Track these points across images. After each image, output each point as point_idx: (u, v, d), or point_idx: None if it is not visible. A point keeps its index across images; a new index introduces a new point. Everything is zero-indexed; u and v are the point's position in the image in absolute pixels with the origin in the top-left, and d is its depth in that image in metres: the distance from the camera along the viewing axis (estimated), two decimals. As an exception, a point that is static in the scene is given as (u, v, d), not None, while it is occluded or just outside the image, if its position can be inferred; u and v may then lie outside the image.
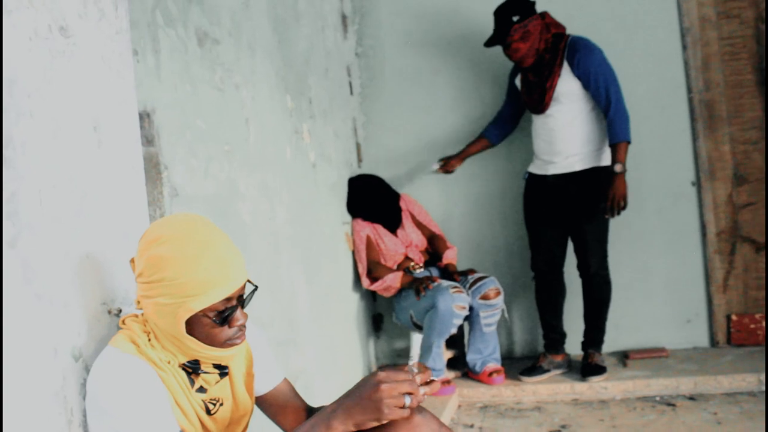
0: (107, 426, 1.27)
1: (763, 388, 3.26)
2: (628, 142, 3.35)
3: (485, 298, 3.55)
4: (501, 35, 3.40)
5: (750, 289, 3.74)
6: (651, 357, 3.65)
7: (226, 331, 1.33)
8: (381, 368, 1.29)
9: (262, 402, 1.59)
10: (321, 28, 3.62)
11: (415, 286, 3.53)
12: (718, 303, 3.77)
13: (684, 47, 3.77)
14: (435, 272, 3.77)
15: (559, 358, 3.64)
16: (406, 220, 3.87)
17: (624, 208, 3.34)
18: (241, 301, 1.36)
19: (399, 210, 3.86)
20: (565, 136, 3.46)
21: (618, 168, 3.32)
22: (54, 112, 1.35)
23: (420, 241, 3.86)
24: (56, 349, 1.32)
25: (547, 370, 3.60)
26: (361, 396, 1.21)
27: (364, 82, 4.16)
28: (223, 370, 1.41)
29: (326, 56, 3.66)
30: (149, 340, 1.35)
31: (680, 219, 3.80)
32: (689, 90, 3.76)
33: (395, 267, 3.72)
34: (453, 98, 4.06)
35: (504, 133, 3.82)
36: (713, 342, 3.79)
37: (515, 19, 3.36)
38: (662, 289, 3.84)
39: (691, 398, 3.27)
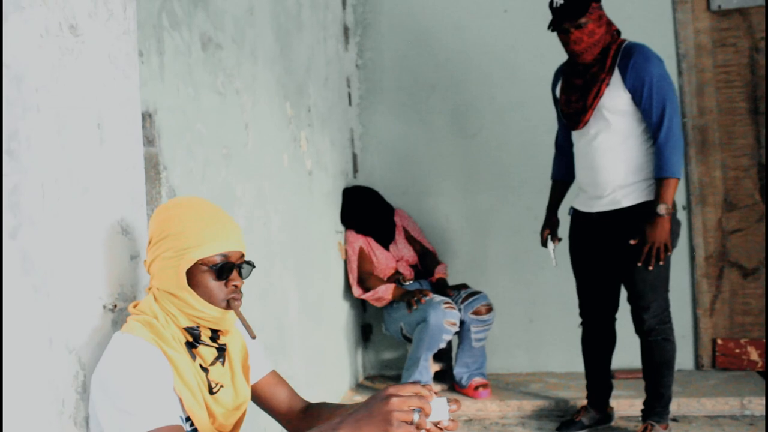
0: (115, 407, 1.30)
1: (746, 412, 3.29)
2: (678, 179, 2.82)
3: (477, 313, 3.57)
4: (576, 11, 2.77)
5: (736, 314, 3.78)
6: (636, 378, 3.67)
7: (224, 289, 1.44)
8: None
9: (253, 392, 1.62)
10: (323, 39, 3.66)
11: (407, 299, 3.55)
12: (704, 327, 3.80)
13: (679, 73, 3.82)
14: (426, 286, 3.80)
15: (599, 413, 3.24)
16: (399, 236, 3.89)
17: (666, 253, 2.86)
18: (238, 267, 1.46)
19: (393, 225, 3.89)
20: (609, 162, 2.91)
21: (662, 210, 2.79)
22: (60, 107, 1.38)
23: (411, 256, 3.88)
24: (51, 341, 1.34)
25: (587, 426, 3.20)
26: (371, 409, 1.21)
27: (363, 93, 4.20)
28: (220, 346, 1.48)
29: (327, 66, 3.70)
30: (161, 310, 1.43)
31: (670, 242, 3.84)
32: (683, 115, 3.81)
33: (385, 280, 3.74)
34: (450, 113, 4.10)
35: (571, 161, 3.20)
36: (698, 365, 3.82)
37: None
38: (650, 311, 3.86)
39: (674, 419, 3.29)
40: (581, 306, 3.22)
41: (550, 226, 3.28)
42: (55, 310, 1.35)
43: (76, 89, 1.43)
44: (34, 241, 1.30)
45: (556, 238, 3.27)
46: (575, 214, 3.15)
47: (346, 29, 4.12)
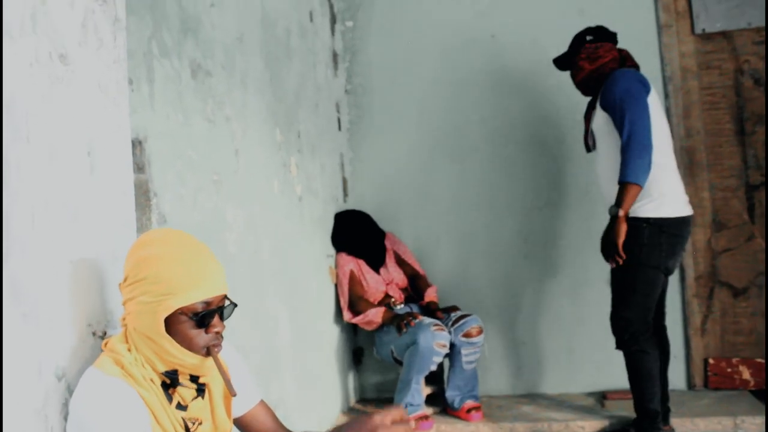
0: None
1: (739, 431, 3.29)
2: (637, 185, 2.87)
3: (467, 336, 3.57)
4: (570, 53, 3.21)
5: (727, 333, 3.79)
6: (629, 398, 3.66)
7: (203, 336, 1.38)
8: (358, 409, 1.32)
9: (238, 424, 1.61)
10: (312, 65, 3.69)
11: (396, 322, 3.55)
12: (696, 346, 3.81)
13: (666, 95, 3.86)
14: (416, 310, 3.80)
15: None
16: (389, 259, 3.90)
17: (617, 256, 2.94)
18: (220, 311, 1.41)
19: (384, 249, 3.90)
20: (604, 179, 3.13)
21: (612, 211, 2.93)
22: (50, 135, 1.39)
23: (401, 279, 3.89)
24: (40, 369, 1.34)
25: None
26: None
27: (352, 118, 4.23)
28: (200, 386, 1.45)
29: (316, 92, 3.73)
30: (129, 351, 1.38)
31: (660, 262, 3.85)
32: (671, 137, 3.85)
33: (375, 304, 3.75)
34: (438, 138, 4.13)
35: None
36: (690, 385, 3.82)
37: (588, 38, 3.15)
38: (641, 332, 3.86)
39: (668, 440, 3.28)
40: None
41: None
42: (45, 337, 1.36)
43: (67, 117, 1.45)
44: (24, 268, 1.31)
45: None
46: None
47: (335, 55, 4.16)
